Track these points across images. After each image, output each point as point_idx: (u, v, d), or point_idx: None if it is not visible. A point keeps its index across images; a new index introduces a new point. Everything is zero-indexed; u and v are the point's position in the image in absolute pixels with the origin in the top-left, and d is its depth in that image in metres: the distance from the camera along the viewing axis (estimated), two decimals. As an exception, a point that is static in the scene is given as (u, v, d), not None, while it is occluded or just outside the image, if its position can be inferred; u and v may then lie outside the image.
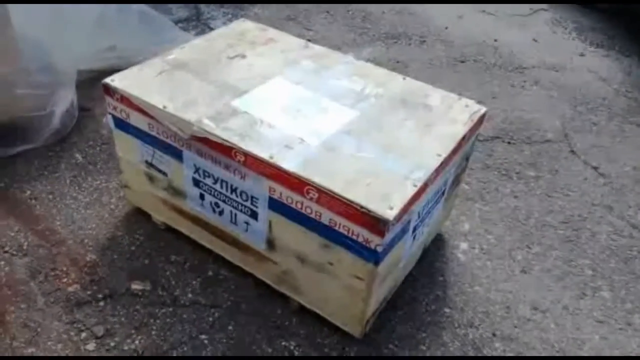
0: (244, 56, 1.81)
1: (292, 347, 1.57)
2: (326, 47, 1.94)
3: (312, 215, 1.39)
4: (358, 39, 3.07)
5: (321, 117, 1.56)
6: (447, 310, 1.72)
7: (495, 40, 3.20)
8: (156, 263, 1.76)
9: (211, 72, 1.71)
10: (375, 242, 1.31)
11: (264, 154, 1.40)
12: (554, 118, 2.63)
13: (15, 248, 1.76)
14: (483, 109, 1.67)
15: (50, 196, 1.95)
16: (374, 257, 1.34)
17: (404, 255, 1.54)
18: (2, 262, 1.71)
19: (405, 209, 1.33)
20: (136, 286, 1.69)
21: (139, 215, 1.89)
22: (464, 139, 1.56)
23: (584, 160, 2.39)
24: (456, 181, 1.76)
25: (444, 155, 1.46)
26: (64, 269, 1.71)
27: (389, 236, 1.32)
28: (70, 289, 1.66)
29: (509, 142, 2.45)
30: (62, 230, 1.83)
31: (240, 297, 1.68)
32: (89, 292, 1.65)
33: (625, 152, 2.45)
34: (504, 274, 1.86)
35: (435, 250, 1.90)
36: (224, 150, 1.46)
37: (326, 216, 1.36)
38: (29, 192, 1.95)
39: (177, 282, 1.71)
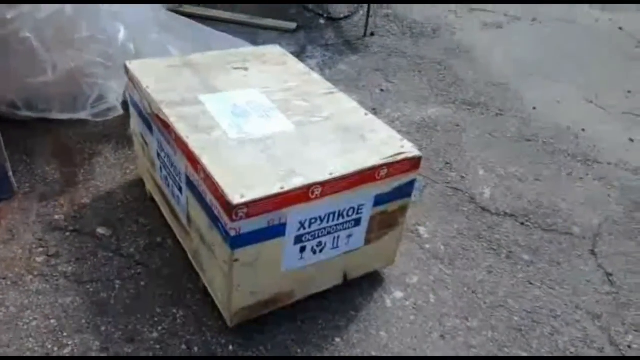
0: (246, 69, 2.08)
1: (177, 316, 1.74)
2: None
3: (203, 195, 1.58)
4: (432, 99, 3.12)
5: (259, 121, 1.74)
6: (338, 340, 1.72)
7: (583, 130, 2.97)
8: (126, 220, 2.08)
9: (208, 74, 2.01)
10: (228, 224, 1.44)
11: (184, 133, 1.64)
12: (596, 216, 2.36)
13: (42, 178, 2.23)
14: (415, 153, 1.68)
15: (92, 151, 2.42)
16: (229, 239, 1.47)
17: (285, 260, 1.62)
18: (28, 185, 2.19)
19: (263, 206, 1.44)
20: (100, 230, 2.02)
21: (140, 183, 2.24)
22: (371, 170, 1.60)
23: (599, 263, 2.13)
24: (385, 220, 1.77)
25: (336, 174, 1.54)
26: (62, 202, 2.13)
27: (244, 224, 1.44)
28: (56, 216, 2.06)
29: (522, 223, 2.29)
30: (81, 177, 2.27)
31: (167, 264, 1.91)
32: (66, 223, 2.04)
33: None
34: (419, 331, 1.78)
35: (365, 287, 1.90)
36: (166, 127, 1.73)
37: (209, 197, 1.54)
38: (88, 147, 2.45)
39: (130, 238, 2.00)
